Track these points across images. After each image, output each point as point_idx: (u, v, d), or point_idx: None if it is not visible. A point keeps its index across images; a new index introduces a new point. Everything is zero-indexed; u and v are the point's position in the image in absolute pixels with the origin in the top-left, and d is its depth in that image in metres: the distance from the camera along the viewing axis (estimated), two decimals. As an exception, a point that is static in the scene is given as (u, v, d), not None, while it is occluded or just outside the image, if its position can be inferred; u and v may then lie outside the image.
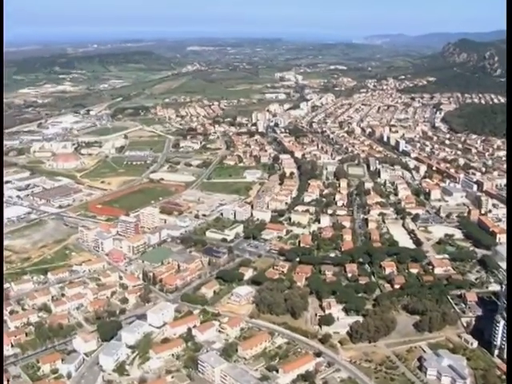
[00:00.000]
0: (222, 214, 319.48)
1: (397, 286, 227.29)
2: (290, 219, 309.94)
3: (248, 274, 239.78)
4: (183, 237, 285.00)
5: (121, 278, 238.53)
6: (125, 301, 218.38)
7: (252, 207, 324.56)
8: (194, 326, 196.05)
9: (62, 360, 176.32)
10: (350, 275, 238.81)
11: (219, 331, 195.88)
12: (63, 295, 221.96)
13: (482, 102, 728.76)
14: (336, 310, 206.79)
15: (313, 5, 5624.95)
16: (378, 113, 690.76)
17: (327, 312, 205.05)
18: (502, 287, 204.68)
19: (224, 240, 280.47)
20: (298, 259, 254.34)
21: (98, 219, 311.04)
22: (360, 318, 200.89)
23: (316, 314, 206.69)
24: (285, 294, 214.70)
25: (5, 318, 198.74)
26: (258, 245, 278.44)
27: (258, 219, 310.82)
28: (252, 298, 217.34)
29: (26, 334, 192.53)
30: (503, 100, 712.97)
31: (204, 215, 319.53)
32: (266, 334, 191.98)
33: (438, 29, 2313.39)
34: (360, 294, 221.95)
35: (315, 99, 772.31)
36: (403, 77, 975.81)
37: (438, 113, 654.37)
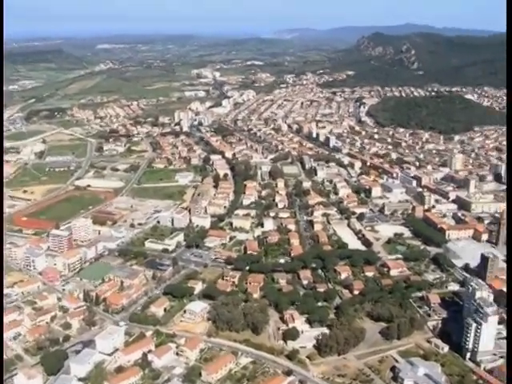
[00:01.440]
0: (158, 222, 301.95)
1: (356, 292, 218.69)
2: (231, 224, 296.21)
3: (198, 287, 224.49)
4: (121, 249, 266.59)
5: (59, 299, 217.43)
6: (67, 326, 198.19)
7: (190, 213, 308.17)
8: (150, 351, 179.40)
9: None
10: (305, 282, 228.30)
11: (177, 354, 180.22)
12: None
13: (403, 94, 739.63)
14: (299, 322, 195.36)
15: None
16: (301, 108, 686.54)
17: (290, 325, 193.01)
18: (466, 287, 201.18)
19: (165, 250, 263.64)
20: (247, 268, 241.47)
21: (25, 233, 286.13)
22: (325, 330, 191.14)
23: (279, 328, 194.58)
24: (242, 307, 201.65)
25: None
26: (202, 254, 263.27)
27: (197, 226, 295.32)
28: (207, 315, 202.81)
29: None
30: (423, 93, 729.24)
31: (140, 224, 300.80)
32: (229, 355, 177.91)
33: (347, 23, 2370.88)
34: (320, 303, 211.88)
35: (236, 96, 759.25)
36: (322, 71, 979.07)
37: (361, 107, 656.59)
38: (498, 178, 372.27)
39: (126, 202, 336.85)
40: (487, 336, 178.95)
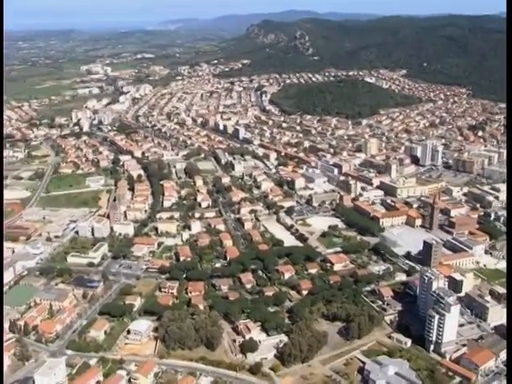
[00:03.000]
0: (77, 233, 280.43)
1: (305, 292, 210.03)
2: (156, 229, 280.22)
3: (137, 303, 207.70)
4: (42, 267, 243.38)
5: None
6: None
7: (109, 220, 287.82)
8: (99, 382, 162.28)
9: None
10: (248, 286, 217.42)
11: (130, 382, 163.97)
12: None
13: (302, 81, 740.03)
14: (255, 332, 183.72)
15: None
16: (202, 100, 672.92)
17: (247, 336, 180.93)
18: (420, 278, 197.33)
19: (91, 264, 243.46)
20: (183, 276, 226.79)
21: None
22: (283, 337, 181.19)
23: (234, 341, 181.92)
24: (193, 322, 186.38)
25: None
26: (131, 264, 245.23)
27: (120, 234, 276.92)
28: (153, 333, 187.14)
29: None
30: (321, 78, 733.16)
31: (57, 237, 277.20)
32: (188, 377, 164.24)
33: (230, 11, 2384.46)
34: (271, 308, 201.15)
35: (133, 91, 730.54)
36: (216, 61, 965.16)
37: (263, 95, 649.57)
38: (415, 160, 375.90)
39: (37, 214, 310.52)
40: (451, 326, 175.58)
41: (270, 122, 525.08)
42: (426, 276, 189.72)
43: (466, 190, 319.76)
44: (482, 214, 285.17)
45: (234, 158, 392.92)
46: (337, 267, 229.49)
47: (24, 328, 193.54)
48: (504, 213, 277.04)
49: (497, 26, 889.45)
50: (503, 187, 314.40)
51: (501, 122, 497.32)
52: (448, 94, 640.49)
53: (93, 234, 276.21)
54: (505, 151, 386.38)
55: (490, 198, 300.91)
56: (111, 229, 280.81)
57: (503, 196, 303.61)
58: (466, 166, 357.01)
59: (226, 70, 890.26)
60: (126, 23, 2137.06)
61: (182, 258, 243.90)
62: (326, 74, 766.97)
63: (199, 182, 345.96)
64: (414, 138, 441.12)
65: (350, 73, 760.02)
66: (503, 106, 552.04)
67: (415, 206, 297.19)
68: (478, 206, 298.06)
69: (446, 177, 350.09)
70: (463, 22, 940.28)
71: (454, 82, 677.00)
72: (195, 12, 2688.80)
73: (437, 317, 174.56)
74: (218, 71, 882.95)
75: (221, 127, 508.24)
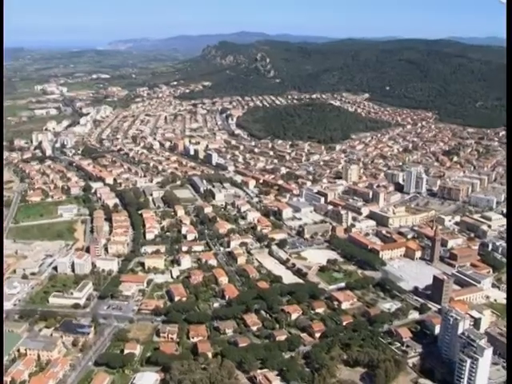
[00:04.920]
0: (55, 269, 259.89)
1: (317, 335, 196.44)
2: (142, 265, 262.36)
3: (137, 351, 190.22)
4: (21, 309, 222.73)
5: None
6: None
7: (90, 255, 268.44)
8: None
9: None
10: (254, 329, 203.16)
11: None
12: None
13: (265, 103, 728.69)
14: (276, 383, 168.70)
15: (48, 11, 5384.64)
16: (166, 123, 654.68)
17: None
18: (442, 317, 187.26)
19: (76, 306, 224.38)
20: (182, 318, 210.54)
21: None
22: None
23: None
24: (205, 374, 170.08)
25: None
26: (120, 305, 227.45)
27: (103, 270, 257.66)
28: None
29: None
30: (284, 101, 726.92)
31: (33, 274, 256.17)
32: None
33: (180, 32, 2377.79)
34: (284, 354, 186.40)
35: (93, 113, 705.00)
36: (176, 83, 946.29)
37: (229, 119, 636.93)
38: (399, 188, 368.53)
39: (9, 247, 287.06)
40: (484, 371, 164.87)
41: (241, 147, 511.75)
42: (451, 316, 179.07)
43: (457, 218, 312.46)
44: (479, 244, 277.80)
45: (213, 186, 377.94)
46: (345, 305, 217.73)
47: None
48: (502, 243, 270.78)
49: (453, 50, 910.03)
50: (494, 216, 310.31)
51: (473, 146, 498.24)
52: (415, 118, 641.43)
53: (73, 271, 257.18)
54: (486, 177, 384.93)
55: (484, 228, 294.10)
56: (93, 265, 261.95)
57: (495, 225, 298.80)
58: (452, 194, 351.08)
59: (187, 91, 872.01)
60: (76, 42, 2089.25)
61: (176, 298, 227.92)
62: (289, 96, 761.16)
63: (180, 211, 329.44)
64: (390, 164, 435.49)
65: (313, 96, 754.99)
66: (471, 130, 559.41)
67: (409, 236, 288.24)
68: (473, 235, 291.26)
69: (434, 205, 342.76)
70: (420, 46, 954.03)
71: (418, 106, 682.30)
72: (145, 32, 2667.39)
73: (469, 361, 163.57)
74: (178, 93, 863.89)
75: (191, 152, 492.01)
